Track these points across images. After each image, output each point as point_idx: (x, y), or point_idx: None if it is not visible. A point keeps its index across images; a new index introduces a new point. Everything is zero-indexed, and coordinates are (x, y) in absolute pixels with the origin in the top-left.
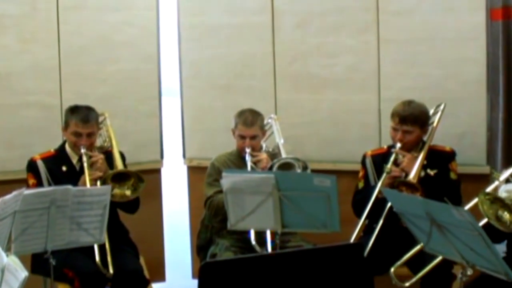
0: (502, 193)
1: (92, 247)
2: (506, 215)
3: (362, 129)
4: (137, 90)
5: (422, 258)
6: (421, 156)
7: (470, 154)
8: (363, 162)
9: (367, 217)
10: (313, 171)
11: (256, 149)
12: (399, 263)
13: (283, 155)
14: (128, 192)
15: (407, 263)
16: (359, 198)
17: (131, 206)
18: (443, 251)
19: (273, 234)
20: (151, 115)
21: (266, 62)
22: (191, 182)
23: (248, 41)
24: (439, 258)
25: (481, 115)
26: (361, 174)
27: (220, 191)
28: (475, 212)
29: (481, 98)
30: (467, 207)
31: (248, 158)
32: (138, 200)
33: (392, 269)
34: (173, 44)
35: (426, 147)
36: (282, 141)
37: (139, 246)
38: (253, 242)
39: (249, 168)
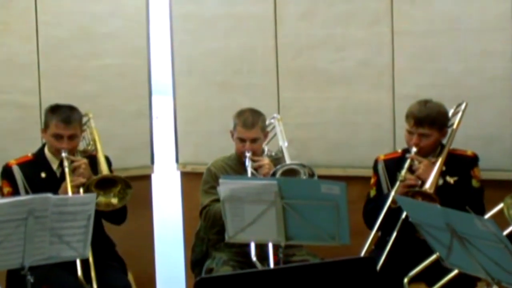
0: None
1: (75, 262)
2: None
3: (375, 130)
4: (125, 88)
5: (442, 273)
6: (439, 162)
7: (495, 159)
8: (375, 168)
9: (379, 229)
10: (321, 177)
11: (257, 153)
12: (413, 272)
13: (287, 159)
14: (114, 200)
15: (425, 278)
16: (371, 208)
17: (118, 216)
18: (465, 266)
19: (276, 247)
20: (140, 115)
21: (267, 57)
22: (185, 189)
23: (248, 33)
24: (456, 271)
25: (508, 114)
26: (372, 181)
27: (217, 200)
28: (499, 222)
29: (507, 96)
30: (490, 213)
31: (248, 163)
32: (126, 210)
33: (406, 280)
34: (164, 37)
35: (445, 152)
36: (286, 144)
37: (127, 261)
38: (253, 256)
39: (249, 174)
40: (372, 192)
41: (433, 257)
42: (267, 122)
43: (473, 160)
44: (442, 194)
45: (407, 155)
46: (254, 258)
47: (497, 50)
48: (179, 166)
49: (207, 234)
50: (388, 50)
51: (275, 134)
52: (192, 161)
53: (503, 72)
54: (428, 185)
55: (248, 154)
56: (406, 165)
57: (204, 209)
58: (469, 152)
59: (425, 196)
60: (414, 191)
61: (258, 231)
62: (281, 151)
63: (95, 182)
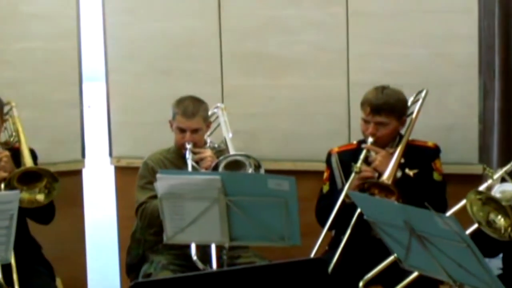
0: (496, 194)
1: None
2: (500, 220)
3: (328, 121)
4: (52, 74)
5: (401, 275)
6: (397, 153)
7: (460, 151)
8: (328, 161)
9: (332, 227)
10: (269, 171)
11: (198, 144)
12: (369, 275)
13: (231, 151)
14: (40, 197)
15: (382, 281)
16: (324, 205)
17: (44, 214)
18: (426, 268)
19: (220, 249)
20: (69, 104)
21: (210, 40)
22: (120, 186)
23: (188, 14)
24: (415, 274)
25: (473, 103)
26: (325, 175)
27: (155, 196)
28: (463, 219)
29: (473, 83)
30: (452, 210)
31: (188, 155)
32: (53, 207)
33: (361, 283)
34: (96, 17)
35: (403, 142)
36: (230, 135)
37: (55, 265)
38: (194, 255)
39: (190, 168)
40: (325, 188)
41: (391, 258)
42: (209, 112)
43: (435, 151)
44: (401, 188)
45: (363, 146)
46: (194, 257)
47: (463, 33)
48: (113, 160)
49: (144, 235)
50: (343, 33)
51: (218, 125)
52: (127, 155)
53: (469, 57)
54: (385, 176)
55: (188, 146)
56: (362, 156)
57: (140, 206)
58: (430, 143)
59: (383, 188)
60: (370, 183)
61: (199, 231)
62: (225, 143)
63: (17, 176)
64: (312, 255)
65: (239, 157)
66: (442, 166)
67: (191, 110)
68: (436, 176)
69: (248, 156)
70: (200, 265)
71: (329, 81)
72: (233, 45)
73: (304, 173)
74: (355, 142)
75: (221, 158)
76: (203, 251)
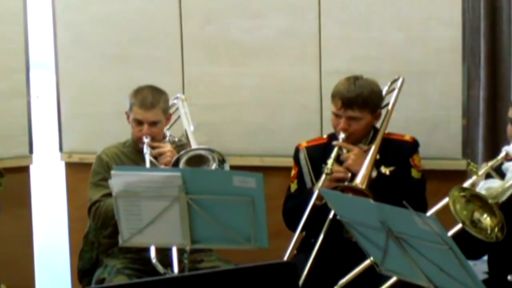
0: (481, 191)
1: None
2: (485, 219)
3: (298, 112)
4: None
5: (378, 281)
6: (372, 150)
7: (441, 145)
8: (295, 157)
9: (302, 229)
10: (234, 168)
11: (157, 138)
12: (343, 280)
13: (193, 145)
14: None
15: (358, 287)
16: (292, 205)
17: None
18: (404, 272)
19: (181, 252)
20: (15, 94)
21: (170, 24)
22: (71, 184)
23: None
24: (394, 279)
25: (455, 93)
26: (293, 172)
27: (110, 194)
28: (444, 219)
29: (455, 71)
30: (434, 209)
31: (146, 150)
32: None
33: None
34: None
35: (378, 138)
36: (192, 128)
37: (0, 270)
38: (154, 260)
39: (147, 164)
40: (293, 186)
41: (366, 262)
42: (169, 103)
43: (413, 146)
44: (377, 188)
45: (334, 143)
46: (154, 260)
47: (443, 16)
48: (64, 156)
49: (97, 237)
50: (314, 17)
51: (178, 117)
52: (79, 150)
53: (450, 42)
54: (359, 179)
55: (146, 140)
56: (333, 154)
57: (93, 205)
58: (407, 137)
59: (356, 192)
60: (343, 187)
61: (158, 233)
62: (186, 136)
63: None
64: (285, 259)
65: (201, 151)
66: (422, 162)
67: (150, 100)
68: (414, 173)
69: (211, 150)
70: (160, 268)
71: (299, 68)
72: (194, 29)
73: (272, 169)
74: (325, 136)
75: (182, 152)
76: (163, 253)
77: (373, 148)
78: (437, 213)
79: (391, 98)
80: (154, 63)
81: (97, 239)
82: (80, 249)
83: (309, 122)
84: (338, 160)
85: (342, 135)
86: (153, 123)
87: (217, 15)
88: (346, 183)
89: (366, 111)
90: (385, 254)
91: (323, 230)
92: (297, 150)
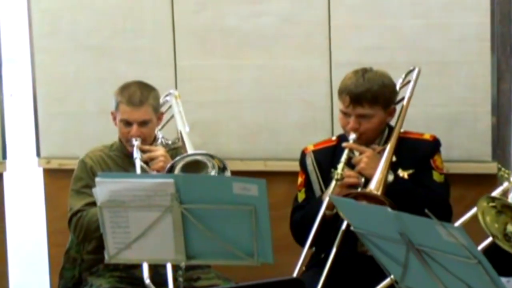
0: None
1: None
2: None
3: (305, 110)
4: None
5: None
6: (387, 151)
7: (467, 146)
8: (302, 163)
9: (312, 244)
10: (234, 173)
11: (148, 140)
12: None
13: (189, 149)
14: None
15: None
16: (299, 217)
17: None
18: None
19: (175, 269)
20: None
21: (159, 11)
22: (49, 193)
23: None
24: None
25: (483, 87)
26: (300, 180)
27: (94, 203)
28: (474, 230)
29: (482, 62)
30: (460, 221)
31: (136, 154)
32: None
33: None
34: None
35: (394, 137)
36: (187, 129)
37: None
38: (147, 278)
39: (138, 169)
40: (301, 196)
41: (386, 281)
42: (161, 100)
43: (433, 145)
44: (394, 194)
45: (344, 144)
46: (147, 281)
47: (468, 1)
48: (41, 162)
49: (80, 253)
50: (322, 2)
51: (171, 117)
52: (59, 154)
53: (477, 30)
54: (373, 184)
55: (136, 143)
56: (343, 158)
57: (74, 215)
58: (427, 136)
59: (371, 199)
60: (355, 193)
61: (149, 248)
62: (181, 139)
63: None
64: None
65: (199, 157)
66: (445, 164)
67: (138, 97)
68: (436, 176)
69: (210, 156)
70: None
71: (305, 60)
72: (187, 17)
73: (276, 174)
74: (334, 137)
75: (177, 158)
76: (155, 271)
77: (387, 148)
78: (464, 222)
79: (406, 92)
80: (142, 56)
81: (80, 255)
82: (61, 267)
83: (318, 121)
84: (349, 164)
85: (352, 136)
86: (142, 123)
87: (212, 0)
88: (359, 189)
89: (378, 107)
90: (405, 270)
91: (335, 243)
92: (303, 155)
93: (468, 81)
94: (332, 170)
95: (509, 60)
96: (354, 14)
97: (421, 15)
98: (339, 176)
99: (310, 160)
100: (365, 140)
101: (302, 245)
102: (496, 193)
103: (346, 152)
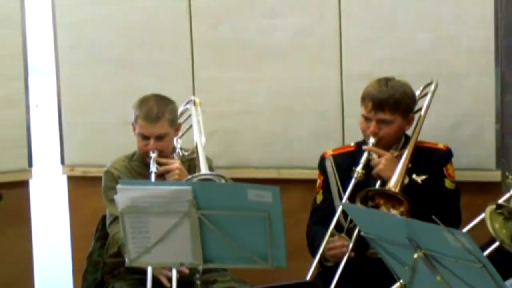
0: None
1: None
2: None
3: (318, 120)
4: None
5: None
6: (404, 156)
7: (473, 154)
8: (321, 166)
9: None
10: (248, 180)
11: (165, 152)
12: None
13: (202, 162)
14: None
15: None
16: (311, 238)
17: None
18: None
19: (192, 273)
20: (12, 103)
21: (178, 25)
22: (73, 199)
23: None
24: None
25: (489, 98)
26: (319, 182)
27: None
28: (479, 235)
29: (488, 74)
30: (469, 226)
31: (153, 167)
32: None
33: None
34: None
35: (412, 143)
36: (203, 139)
37: None
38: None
39: (152, 179)
40: (319, 197)
41: (396, 285)
42: (181, 108)
43: (446, 154)
44: (409, 196)
45: (364, 147)
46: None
47: (475, 15)
48: (65, 169)
49: (102, 256)
50: (334, 16)
51: (190, 126)
52: (82, 162)
53: (482, 43)
54: (392, 182)
55: (153, 155)
56: (363, 159)
57: (114, 221)
58: (440, 145)
59: (389, 197)
60: (375, 191)
61: (168, 252)
62: (196, 151)
63: None
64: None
65: (210, 177)
66: (455, 172)
67: (155, 113)
68: (448, 183)
69: (221, 176)
70: None
71: (318, 72)
72: (205, 30)
73: (290, 182)
74: (352, 144)
75: (189, 177)
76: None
77: (406, 153)
78: (473, 230)
79: (424, 103)
80: (161, 68)
81: (102, 259)
82: (84, 270)
83: (329, 130)
84: (369, 166)
85: (372, 140)
86: (159, 137)
87: (229, 15)
88: (377, 188)
89: (398, 114)
90: (413, 274)
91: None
92: (322, 159)
93: (474, 92)
94: (353, 168)
95: None
96: (364, 27)
97: (430, 29)
98: (358, 175)
99: (329, 163)
100: (383, 145)
101: (313, 256)
102: (502, 200)
103: (365, 154)
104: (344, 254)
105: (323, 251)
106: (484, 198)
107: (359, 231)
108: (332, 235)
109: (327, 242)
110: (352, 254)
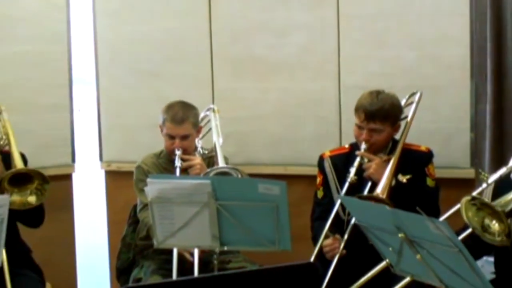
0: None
1: None
2: (494, 225)
3: (319, 124)
4: (42, 77)
5: (393, 281)
6: (392, 161)
7: (451, 155)
8: (320, 166)
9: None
10: (260, 176)
11: (188, 151)
12: (360, 282)
13: (220, 158)
14: (31, 199)
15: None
16: (320, 214)
17: (35, 217)
18: (417, 273)
19: (210, 254)
20: (59, 108)
21: (200, 42)
22: (110, 190)
23: (178, 15)
24: (408, 279)
25: (464, 107)
26: (319, 180)
27: None
28: (454, 224)
29: (464, 86)
30: (445, 215)
31: (177, 163)
32: (43, 209)
33: None
34: (86, 20)
35: (398, 150)
36: (221, 140)
37: (45, 270)
38: (192, 257)
39: (177, 174)
40: (320, 193)
41: (382, 264)
42: (202, 114)
43: (428, 156)
44: (394, 195)
45: (357, 152)
46: (193, 259)
47: (454, 35)
48: (103, 165)
49: (134, 239)
50: (333, 35)
51: (210, 129)
52: (118, 159)
53: (460, 59)
54: (380, 189)
55: (178, 152)
56: (356, 163)
57: (144, 208)
58: (423, 148)
59: (377, 201)
60: (365, 197)
61: (190, 236)
62: (215, 149)
63: (8, 178)
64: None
65: (227, 170)
66: (435, 171)
67: (180, 116)
68: (429, 181)
69: (236, 169)
70: (196, 268)
71: (320, 83)
72: (223, 47)
73: (295, 177)
74: (347, 145)
75: (208, 170)
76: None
77: (393, 159)
78: (448, 218)
79: (409, 112)
80: (186, 79)
81: (134, 241)
82: (118, 250)
83: (329, 133)
84: (360, 169)
85: (364, 146)
86: (184, 137)
87: (243, 33)
88: (366, 193)
89: (387, 124)
90: (399, 256)
91: (346, 233)
92: (321, 159)
93: (452, 102)
94: (350, 169)
95: (485, 85)
96: (360, 46)
97: (416, 48)
98: (351, 180)
99: (327, 164)
100: (374, 150)
101: (315, 244)
102: (476, 193)
103: (358, 159)
104: (336, 253)
105: (320, 247)
106: (459, 192)
107: (350, 232)
108: (326, 236)
109: (324, 246)
110: (344, 251)
